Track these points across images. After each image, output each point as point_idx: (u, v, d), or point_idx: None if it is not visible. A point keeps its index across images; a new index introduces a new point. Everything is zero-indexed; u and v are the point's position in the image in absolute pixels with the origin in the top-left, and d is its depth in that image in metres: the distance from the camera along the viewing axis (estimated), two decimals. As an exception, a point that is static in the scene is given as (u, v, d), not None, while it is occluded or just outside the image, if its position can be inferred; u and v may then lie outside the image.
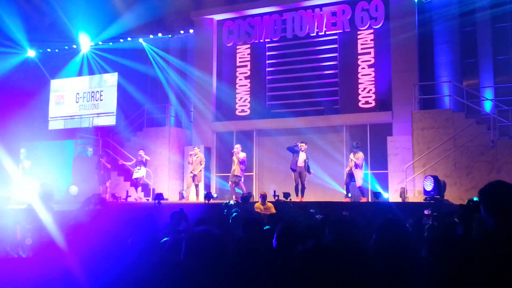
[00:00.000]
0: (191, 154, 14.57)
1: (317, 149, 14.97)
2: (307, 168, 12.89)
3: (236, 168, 13.66)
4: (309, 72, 16.00)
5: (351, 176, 12.68)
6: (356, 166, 12.60)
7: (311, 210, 8.80)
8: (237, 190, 13.86)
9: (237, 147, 14.00)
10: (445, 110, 13.27)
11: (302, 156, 12.91)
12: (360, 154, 12.76)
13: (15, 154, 18.45)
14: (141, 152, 14.97)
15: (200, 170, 14.40)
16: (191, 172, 14.40)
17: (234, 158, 13.79)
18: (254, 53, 16.91)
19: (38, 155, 18.84)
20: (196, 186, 14.48)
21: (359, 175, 12.59)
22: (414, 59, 14.57)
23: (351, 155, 12.83)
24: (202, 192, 14.33)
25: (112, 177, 15.64)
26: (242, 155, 13.83)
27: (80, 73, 20.13)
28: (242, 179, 13.83)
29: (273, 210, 10.56)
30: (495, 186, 2.74)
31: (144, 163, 14.91)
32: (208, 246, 2.62)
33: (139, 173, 14.79)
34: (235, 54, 17.19)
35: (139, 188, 14.87)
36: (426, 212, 7.94)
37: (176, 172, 16.32)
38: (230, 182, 13.91)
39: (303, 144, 13.08)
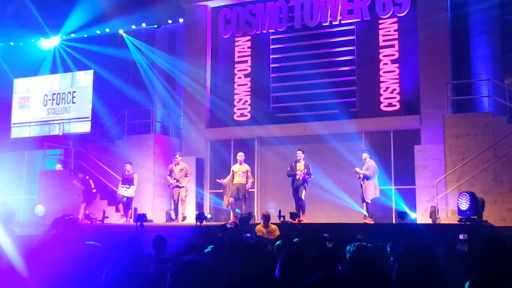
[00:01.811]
0: (171, 168, 14.48)
1: (330, 161, 14.96)
2: (306, 174, 13.08)
3: (241, 181, 13.72)
4: (321, 69, 16.02)
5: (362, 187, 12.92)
6: (366, 177, 12.74)
7: (325, 235, 8.82)
8: (236, 210, 13.86)
9: (242, 155, 14.06)
10: (484, 113, 13.26)
11: (299, 167, 13.19)
12: (371, 163, 12.86)
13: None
14: (129, 166, 14.82)
15: (185, 183, 14.39)
16: (175, 187, 14.35)
17: (237, 169, 13.82)
18: (255, 47, 16.96)
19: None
20: (182, 201, 14.40)
21: (368, 188, 12.69)
22: (446, 53, 14.59)
23: (364, 155, 12.98)
24: (189, 210, 14.31)
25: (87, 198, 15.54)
26: (246, 167, 13.90)
27: (48, 71, 20.22)
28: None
29: (278, 233, 10.53)
30: None
31: (131, 180, 14.75)
32: (198, 278, 2.61)
33: (129, 191, 14.69)
34: (233, 47, 17.24)
35: (130, 211, 14.80)
36: (461, 236, 7.94)
37: (163, 189, 16.31)
38: (231, 199, 13.82)
39: (299, 152, 13.26)
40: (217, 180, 14.45)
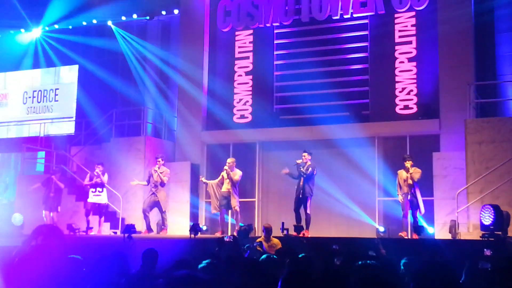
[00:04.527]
0: (151, 172, 14.36)
1: (339, 168, 14.94)
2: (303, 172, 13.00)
3: (230, 189, 13.60)
4: (331, 67, 16.05)
5: (413, 202, 12.66)
6: (416, 184, 12.64)
7: (335, 247, 8.85)
8: (232, 220, 13.83)
9: (231, 162, 13.95)
10: (510, 118, 13.28)
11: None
12: (419, 169, 12.82)
13: None
14: (99, 170, 14.63)
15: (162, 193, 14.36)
16: (152, 193, 14.24)
17: (224, 174, 13.71)
18: (258, 42, 16.99)
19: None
20: (162, 213, 14.35)
21: (420, 198, 12.64)
22: (469, 51, 14.59)
23: (408, 163, 12.75)
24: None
25: (66, 202, 15.55)
26: (238, 174, 13.76)
27: (29, 66, 20.26)
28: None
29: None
30: None
31: (103, 183, 14.63)
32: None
33: (103, 196, 14.64)
34: (233, 42, 17.27)
35: (102, 219, 14.79)
36: (486, 252, 7.94)
37: (154, 197, 16.32)
38: (218, 207, 13.79)
39: (305, 155, 13.19)
40: (200, 178, 14.32)
